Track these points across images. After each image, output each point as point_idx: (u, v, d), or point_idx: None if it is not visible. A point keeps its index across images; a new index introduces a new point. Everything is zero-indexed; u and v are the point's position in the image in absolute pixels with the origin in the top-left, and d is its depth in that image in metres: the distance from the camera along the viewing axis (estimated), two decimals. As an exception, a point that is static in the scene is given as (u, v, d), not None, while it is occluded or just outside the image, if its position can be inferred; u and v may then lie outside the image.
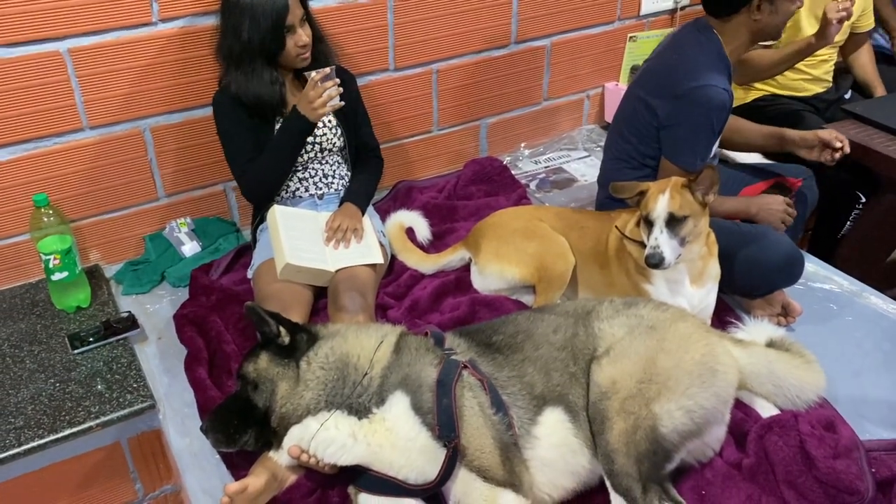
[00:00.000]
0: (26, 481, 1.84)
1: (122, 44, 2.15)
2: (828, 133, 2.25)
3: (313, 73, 2.07)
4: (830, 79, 2.99)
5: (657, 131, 2.16)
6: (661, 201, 1.86)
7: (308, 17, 2.15)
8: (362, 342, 1.62)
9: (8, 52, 2.02)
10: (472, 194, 2.75)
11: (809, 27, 2.78)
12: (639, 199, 1.95)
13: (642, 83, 2.23)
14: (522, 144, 3.11)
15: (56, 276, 2.11)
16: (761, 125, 2.47)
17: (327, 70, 2.07)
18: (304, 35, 2.10)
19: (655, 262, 1.85)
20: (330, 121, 2.28)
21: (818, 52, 2.84)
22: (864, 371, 1.98)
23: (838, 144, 2.22)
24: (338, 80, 2.09)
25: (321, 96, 2.06)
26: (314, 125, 2.13)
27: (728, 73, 2.12)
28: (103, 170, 2.29)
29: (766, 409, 1.77)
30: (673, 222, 1.86)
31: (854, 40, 3.04)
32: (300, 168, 2.28)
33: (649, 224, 1.89)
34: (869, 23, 3.00)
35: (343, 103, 2.13)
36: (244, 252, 2.41)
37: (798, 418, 1.68)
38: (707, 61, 2.07)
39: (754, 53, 2.50)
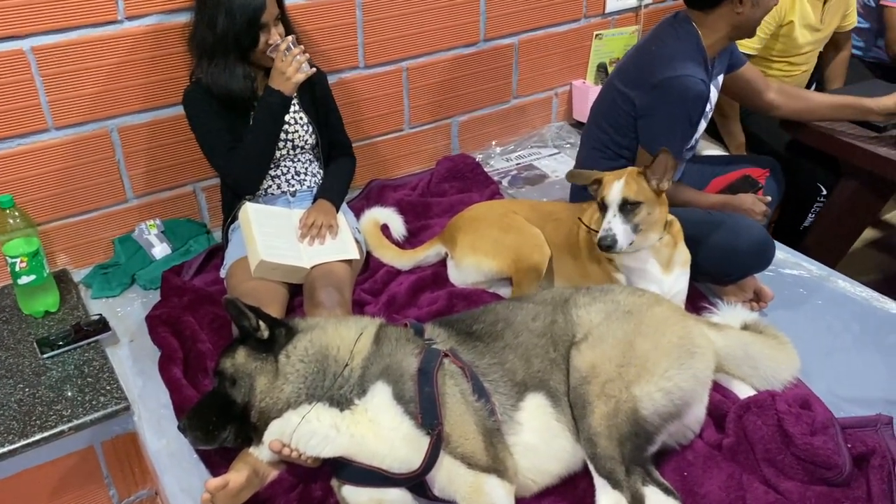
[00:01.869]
0: (-3, 488, 1.79)
1: (88, 42, 2.12)
2: None
3: (280, 44, 2.06)
4: (804, 85, 3.08)
5: (634, 121, 2.18)
6: (616, 186, 1.88)
7: (283, 17, 2.14)
8: (342, 334, 1.61)
9: (-31, 50, 1.98)
10: (446, 191, 2.75)
11: (802, 37, 2.84)
12: (596, 187, 1.97)
13: (620, 74, 2.26)
14: (494, 142, 3.13)
15: (23, 280, 2.06)
16: (829, 95, 2.50)
17: (289, 39, 2.07)
18: (275, 34, 2.09)
19: (607, 244, 1.86)
20: (301, 118, 2.26)
21: (803, 62, 2.96)
22: (836, 352, 2.02)
23: None
24: (303, 47, 2.08)
25: (291, 64, 2.05)
26: (290, 99, 2.12)
27: (706, 65, 2.14)
28: (70, 171, 2.24)
29: (743, 391, 1.79)
30: (626, 207, 1.88)
31: (836, 39, 3.10)
32: (272, 166, 2.26)
33: (604, 209, 1.91)
34: (851, 21, 3.06)
35: (314, 70, 2.12)
36: (216, 253, 2.38)
37: (775, 398, 1.71)
38: (684, 53, 2.10)
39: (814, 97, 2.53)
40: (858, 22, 3.10)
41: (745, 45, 2.75)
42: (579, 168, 2.37)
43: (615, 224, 1.87)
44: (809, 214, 2.83)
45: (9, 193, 2.02)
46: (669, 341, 1.64)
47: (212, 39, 2.05)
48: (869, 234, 3.39)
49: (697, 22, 2.14)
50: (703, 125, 2.27)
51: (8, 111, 2.08)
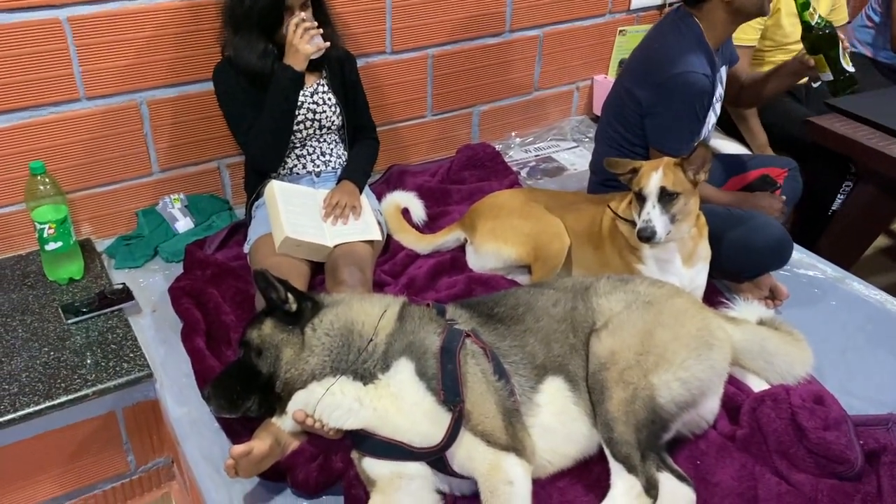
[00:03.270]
0: (18, 449, 1.82)
1: (123, 14, 2.15)
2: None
3: (292, 21, 2.08)
4: None
5: (641, 119, 2.20)
6: (654, 177, 1.90)
7: (315, 2, 2.16)
8: (366, 310, 1.63)
9: (7, 17, 2.00)
10: (465, 179, 2.77)
11: (790, 26, 2.85)
12: (631, 176, 1.99)
13: (627, 72, 2.28)
14: (513, 133, 3.15)
15: (50, 246, 2.09)
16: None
17: (302, 14, 2.09)
18: (299, 18, 2.11)
19: (647, 235, 1.88)
20: (330, 98, 2.29)
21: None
22: (849, 351, 2.05)
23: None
24: (315, 23, 2.10)
25: (301, 37, 2.07)
26: (302, 74, 2.14)
27: (710, 58, 2.15)
28: (98, 142, 2.27)
29: (757, 384, 1.81)
30: (665, 198, 1.89)
31: None
32: (298, 145, 2.29)
33: (641, 200, 1.92)
34: (841, 17, 3.06)
35: (328, 44, 2.14)
36: (238, 230, 2.41)
37: (789, 392, 1.72)
38: (687, 48, 2.11)
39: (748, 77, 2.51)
40: (870, 16, 3.09)
41: (742, 38, 2.75)
42: (596, 165, 2.40)
43: (654, 215, 1.88)
44: (838, 198, 2.82)
45: (40, 160, 2.04)
46: (688, 332, 1.66)
47: (240, 12, 2.09)
48: (881, 241, 3.40)
49: (697, 16, 2.15)
50: (711, 117, 2.28)
51: (42, 79, 2.11)
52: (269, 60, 2.15)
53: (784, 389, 1.74)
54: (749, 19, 2.21)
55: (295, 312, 1.60)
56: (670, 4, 3.25)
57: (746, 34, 2.77)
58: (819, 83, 2.52)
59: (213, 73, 2.19)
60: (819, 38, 2.13)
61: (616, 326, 1.67)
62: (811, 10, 2.13)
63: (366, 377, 1.54)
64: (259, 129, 2.17)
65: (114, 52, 2.18)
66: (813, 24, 2.12)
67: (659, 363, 1.59)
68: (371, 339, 1.58)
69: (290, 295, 1.60)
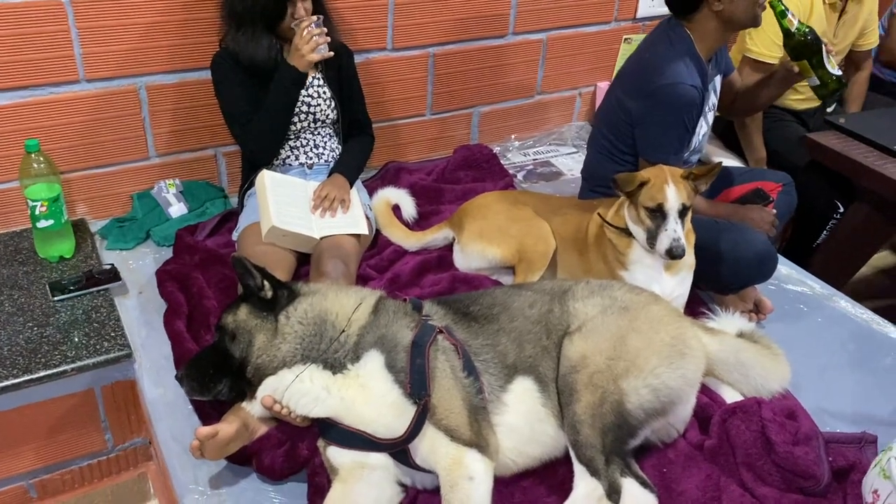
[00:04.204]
0: (-3, 420, 1.85)
1: (125, -1, 2.18)
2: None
3: (302, 23, 2.10)
4: None
5: (632, 129, 2.20)
6: (672, 192, 1.89)
7: None
8: (341, 301, 1.65)
9: (10, -3, 2.04)
10: (460, 179, 2.78)
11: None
12: (635, 190, 1.96)
13: (619, 81, 2.29)
14: (513, 136, 3.16)
15: (41, 224, 2.12)
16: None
17: (314, 18, 2.11)
18: (301, 9, 2.13)
19: (679, 253, 1.88)
20: (325, 92, 2.30)
21: None
22: (829, 368, 2.04)
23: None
24: (325, 30, 2.12)
25: (308, 42, 2.09)
26: (305, 75, 2.16)
27: (701, 69, 2.14)
28: (96, 124, 2.30)
29: (731, 396, 1.81)
30: (682, 212, 1.91)
31: (855, 58, 3.09)
32: (292, 137, 2.31)
33: (659, 216, 1.90)
34: (871, 41, 3.05)
35: (332, 53, 2.15)
36: (230, 217, 2.43)
37: (761, 405, 1.72)
38: (676, 59, 2.10)
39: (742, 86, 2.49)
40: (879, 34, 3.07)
41: (765, 55, 2.75)
42: (587, 172, 2.40)
43: (679, 231, 1.89)
44: (824, 231, 2.83)
45: (36, 138, 2.07)
46: (662, 340, 1.66)
47: (241, 7, 2.10)
48: (884, 260, 3.38)
49: (687, 27, 2.15)
50: (703, 126, 2.27)
51: (43, 59, 2.14)
52: (273, 55, 2.17)
53: (756, 402, 1.74)
54: (741, 29, 2.21)
55: (270, 299, 1.62)
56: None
57: (771, 51, 2.75)
58: (834, 106, 2.53)
59: (212, 64, 2.22)
60: (799, 44, 2.14)
61: (589, 330, 1.67)
62: (790, 16, 2.14)
63: (335, 367, 1.55)
64: (257, 124, 2.19)
65: (115, 36, 2.21)
66: (793, 30, 2.13)
67: (629, 369, 1.59)
68: (343, 330, 1.59)
69: (266, 282, 1.62)
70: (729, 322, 1.96)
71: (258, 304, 1.62)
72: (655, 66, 2.12)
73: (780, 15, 2.14)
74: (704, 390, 1.79)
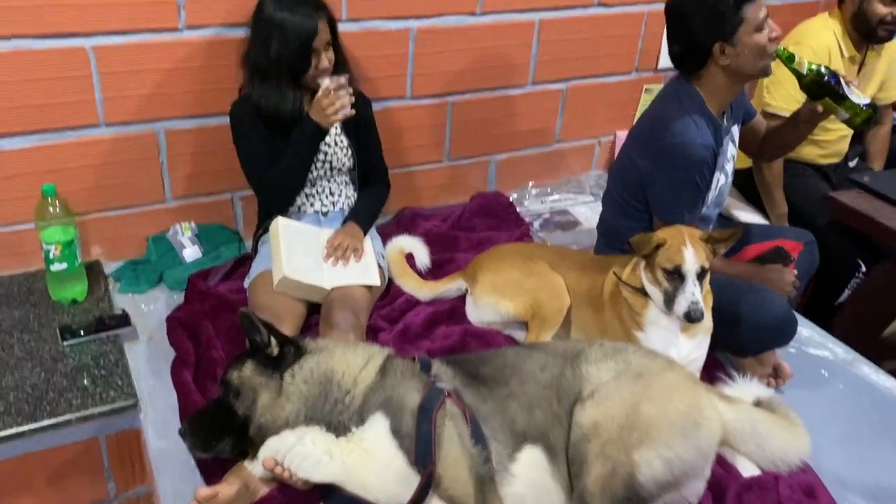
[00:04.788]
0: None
1: (147, 46, 2.20)
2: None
3: (326, 81, 2.11)
4: (844, 152, 3.01)
5: (643, 188, 2.18)
6: (690, 254, 1.86)
7: (334, 42, 2.19)
8: (348, 360, 1.62)
9: (34, 43, 2.07)
10: (476, 227, 2.76)
11: None
12: (654, 251, 1.93)
13: (630, 140, 2.26)
14: (530, 183, 3.14)
15: (55, 267, 2.13)
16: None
17: (341, 80, 2.11)
18: (325, 59, 2.14)
19: (698, 317, 1.85)
20: (342, 141, 2.30)
21: (838, 128, 2.87)
22: (850, 440, 1.97)
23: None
24: (350, 90, 2.12)
25: (334, 104, 2.09)
26: (326, 131, 2.16)
27: (713, 125, 2.11)
28: (114, 167, 2.32)
29: (747, 469, 1.75)
30: (701, 275, 1.87)
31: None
32: (308, 184, 2.31)
33: (676, 277, 1.87)
34: (892, 94, 3.01)
35: (354, 112, 2.15)
36: (244, 262, 2.42)
37: (779, 481, 1.67)
38: (685, 117, 2.07)
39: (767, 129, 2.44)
40: None
41: (784, 108, 2.71)
42: (603, 227, 2.38)
43: (698, 294, 1.85)
44: (846, 290, 2.77)
45: (52, 183, 2.09)
46: (676, 409, 1.61)
47: (265, 61, 2.10)
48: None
49: (696, 83, 2.12)
50: (722, 179, 2.24)
51: (63, 104, 2.17)
52: (298, 105, 2.18)
53: (773, 477, 1.69)
54: (751, 80, 2.17)
55: (276, 357, 1.60)
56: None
57: (789, 105, 2.71)
58: (856, 161, 2.46)
59: (231, 112, 2.22)
60: (815, 84, 2.08)
61: (602, 397, 1.63)
62: (797, 59, 2.08)
63: (339, 429, 1.53)
64: (275, 173, 2.19)
65: (136, 82, 2.23)
66: (804, 72, 2.08)
67: (643, 439, 1.55)
68: (349, 391, 1.57)
69: (272, 338, 1.60)
70: (746, 388, 1.90)
71: (264, 360, 1.60)
72: (664, 124, 2.09)
73: (788, 61, 2.09)
74: (719, 461, 1.73)
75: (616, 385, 1.65)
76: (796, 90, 2.24)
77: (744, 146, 2.43)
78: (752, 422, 1.75)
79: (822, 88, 2.08)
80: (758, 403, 1.84)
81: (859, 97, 2.10)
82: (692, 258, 1.86)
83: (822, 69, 2.07)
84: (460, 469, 1.49)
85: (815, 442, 1.78)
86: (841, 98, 2.07)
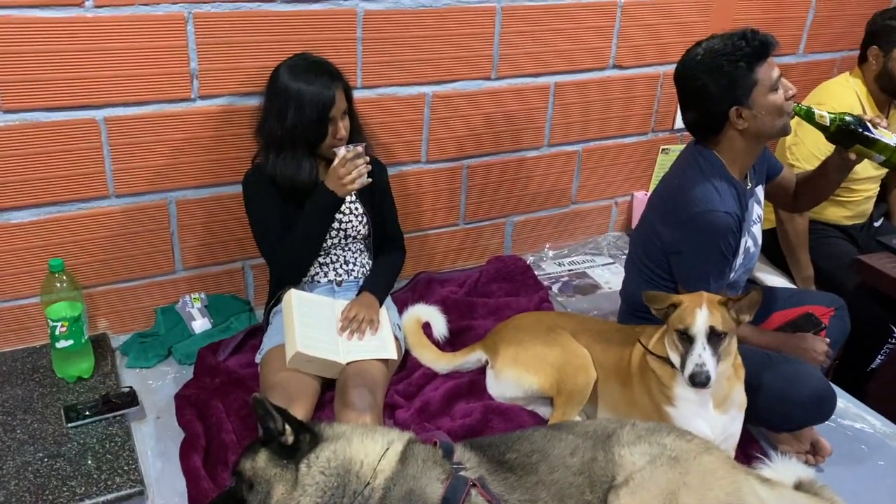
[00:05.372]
0: (-2, 562, 1.74)
1: (159, 117, 2.17)
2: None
3: (343, 150, 2.06)
4: (870, 213, 2.95)
5: (667, 256, 2.11)
6: (701, 315, 1.79)
7: (350, 110, 2.16)
8: (367, 448, 1.53)
9: (45, 115, 2.04)
10: (493, 292, 2.69)
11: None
12: (668, 311, 1.88)
13: (651, 209, 2.20)
14: (547, 245, 3.08)
15: (61, 344, 2.05)
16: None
17: (359, 149, 2.06)
18: (342, 129, 2.11)
19: (702, 380, 1.76)
20: (357, 209, 2.25)
21: (864, 189, 2.82)
22: (898, 523, 1.86)
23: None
24: (367, 158, 2.08)
25: (351, 173, 2.04)
26: (342, 200, 2.11)
27: (735, 189, 2.04)
28: (124, 238, 2.27)
29: (791, 560, 1.64)
30: (713, 338, 1.78)
31: None
32: (322, 253, 2.24)
33: (686, 339, 1.80)
34: None
35: (371, 180, 2.10)
36: (255, 333, 2.35)
37: (827, 574, 1.56)
38: (706, 184, 2.01)
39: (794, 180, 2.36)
40: None
41: (804, 168, 2.64)
42: (626, 293, 2.30)
43: (706, 357, 1.77)
44: (879, 356, 2.67)
45: (60, 258, 2.03)
46: (716, 497, 1.52)
47: (280, 131, 2.06)
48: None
49: (715, 149, 2.06)
50: (749, 242, 2.16)
51: (73, 176, 2.13)
52: (315, 175, 2.13)
53: (822, 570, 1.58)
54: (771, 139, 2.10)
55: (292, 445, 1.51)
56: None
57: (812, 164, 2.64)
58: (881, 221, 2.36)
59: (244, 181, 2.18)
60: (841, 134, 2.00)
61: (637, 485, 1.54)
62: (818, 113, 2.01)
63: (359, 525, 1.43)
64: (289, 244, 2.13)
65: (147, 153, 2.19)
66: (828, 124, 2.01)
67: (682, 532, 1.45)
68: (368, 483, 1.47)
69: (287, 426, 1.52)
70: (786, 468, 1.80)
71: (278, 449, 1.51)
72: (685, 193, 2.02)
73: (808, 116, 2.03)
74: (762, 552, 1.62)
75: (651, 471, 1.56)
76: (816, 147, 2.18)
77: (777, 202, 2.37)
78: (796, 509, 1.65)
79: (850, 136, 2.01)
80: (799, 485, 1.74)
81: (890, 137, 2.01)
82: (703, 319, 1.78)
83: (847, 117, 2.00)
84: (488, 570, 1.39)
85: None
86: (871, 142, 2.00)
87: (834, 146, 2.07)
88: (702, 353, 1.77)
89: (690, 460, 1.58)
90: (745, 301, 1.81)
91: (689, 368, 1.78)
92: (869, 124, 2.00)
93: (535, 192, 2.95)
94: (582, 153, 2.96)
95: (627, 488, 1.53)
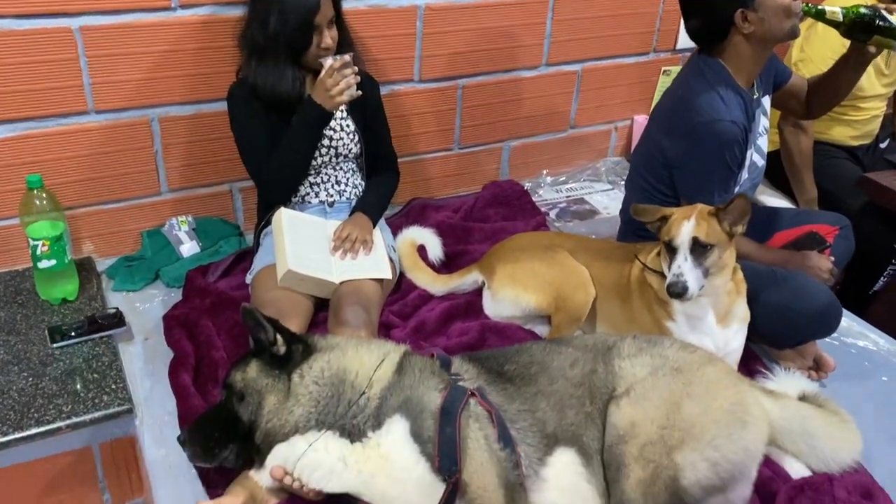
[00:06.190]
0: (-15, 480, 1.70)
1: (138, 27, 2.06)
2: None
3: (330, 60, 1.97)
4: (876, 133, 2.87)
5: (669, 170, 2.04)
6: (686, 227, 1.74)
7: (338, 20, 2.06)
8: (362, 358, 1.49)
9: (17, 23, 1.93)
10: (489, 217, 2.63)
11: (866, 79, 2.61)
12: (660, 224, 1.83)
13: (653, 122, 2.13)
14: (545, 171, 3.00)
15: (43, 264, 1.99)
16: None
17: (346, 58, 1.97)
18: (328, 37, 2.00)
19: (678, 291, 1.72)
20: (348, 125, 2.17)
21: (871, 108, 2.73)
22: (901, 436, 1.83)
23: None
24: (356, 69, 1.99)
25: (338, 84, 1.95)
26: (331, 114, 2.02)
27: (741, 99, 1.98)
28: (105, 157, 2.18)
29: (796, 469, 1.62)
30: (697, 250, 1.73)
31: None
32: (312, 172, 2.17)
33: (672, 251, 1.76)
34: None
35: (360, 93, 2.02)
36: (245, 257, 2.29)
37: (833, 482, 1.54)
38: (712, 93, 1.94)
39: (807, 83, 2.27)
40: None
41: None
42: (626, 213, 2.24)
43: (686, 268, 1.72)
44: (881, 278, 2.63)
45: (38, 173, 1.95)
46: (720, 406, 1.48)
47: (262, 39, 1.96)
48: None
49: (720, 57, 1.98)
50: (755, 156, 2.10)
51: (49, 89, 2.03)
52: (297, 88, 2.04)
53: (827, 479, 1.56)
54: (779, 44, 2.01)
55: (283, 356, 1.47)
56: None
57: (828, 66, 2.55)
58: (888, 142, 2.28)
59: (228, 95, 2.08)
60: (857, 26, 1.92)
61: (639, 395, 1.50)
62: (828, 10, 1.93)
63: (354, 434, 1.40)
64: (275, 161, 2.05)
65: (126, 65, 2.09)
66: (841, 20, 1.92)
67: (685, 440, 1.42)
68: (364, 392, 1.43)
69: (278, 336, 1.47)
70: (790, 382, 1.78)
71: (270, 360, 1.47)
72: (689, 102, 1.95)
73: (819, 15, 1.94)
74: (766, 462, 1.60)
75: (653, 381, 1.52)
76: (823, 61, 2.07)
77: (790, 110, 2.30)
78: (801, 419, 1.63)
79: (866, 29, 1.93)
80: (802, 398, 1.72)
81: None
82: (686, 230, 1.74)
83: (861, 9, 1.91)
84: (488, 476, 1.36)
85: (865, 441, 1.65)
86: (890, 30, 1.92)
87: (848, 44, 1.99)
88: (682, 263, 1.73)
89: (693, 371, 1.54)
90: (732, 207, 1.74)
91: (668, 279, 1.74)
92: (884, 12, 1.91)
93: (533, 116, 2.86)
94: (581, 73, 2.86)
95: (629, 398, 1.50)
